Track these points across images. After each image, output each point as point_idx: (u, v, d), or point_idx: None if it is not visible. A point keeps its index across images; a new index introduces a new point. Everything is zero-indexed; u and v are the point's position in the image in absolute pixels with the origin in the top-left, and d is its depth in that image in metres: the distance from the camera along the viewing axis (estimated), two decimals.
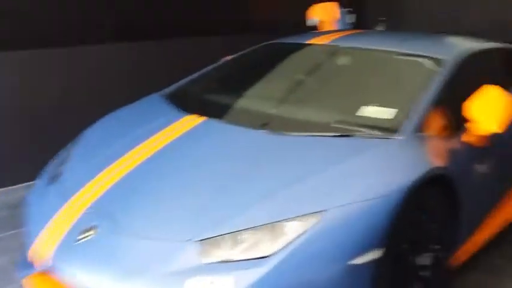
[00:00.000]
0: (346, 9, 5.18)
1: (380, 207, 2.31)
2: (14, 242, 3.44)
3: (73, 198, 2.59)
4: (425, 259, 2.64)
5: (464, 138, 2.93)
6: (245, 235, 2.18)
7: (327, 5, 4.99)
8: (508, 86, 3.50)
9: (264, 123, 2.93)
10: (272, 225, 2.19)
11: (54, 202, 2.63)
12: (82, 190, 2.62)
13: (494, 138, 2.95)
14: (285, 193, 2.34)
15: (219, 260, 2.15)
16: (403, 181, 2.41)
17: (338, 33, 4.21)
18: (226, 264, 2.13)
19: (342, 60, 3.62)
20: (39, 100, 4.57)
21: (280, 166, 2.54)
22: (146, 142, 2.89)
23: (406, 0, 6.43)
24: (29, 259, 2.51)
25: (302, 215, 2.21)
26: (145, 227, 2.33)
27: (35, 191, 2.91)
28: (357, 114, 2.97)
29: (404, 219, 2.39)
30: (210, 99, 3.42)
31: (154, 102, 3.44)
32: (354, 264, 2.22)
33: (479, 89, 2.90)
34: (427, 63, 3.25)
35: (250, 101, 3.35)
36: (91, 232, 2.37)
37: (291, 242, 2.14)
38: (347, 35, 4.06)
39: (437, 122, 2.93)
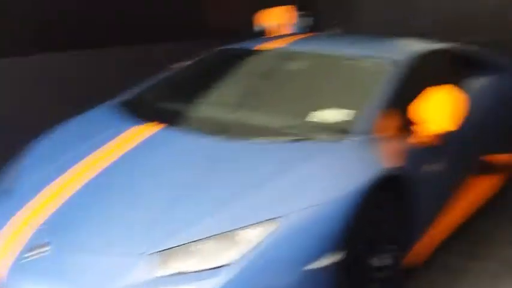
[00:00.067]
0: (302, 13, 5.20)
1: (336, 210, 2.32)
2: None
3: (23, 214, 2.51)
4: (381, 260, 2.66)
5: (417, 137, 2.98)
6: (200, 245, 2.16)
7: (281, 9, 5.00)
8: (458, 85, 3.59)
9: (219, 129, 2.92)
10: (228, 234, 2.17)
11: (2, 218, 2.54)
12: (33, 205, 2.55)
13: (445, 136, 3.01)
14: (240, 201, 2.32)
15: (175, 272, 2.12)
16: (357, 183, 2.43)
17: (292, 37, 4.23)
18: (183, 276, 2.10)
19: (296, 64, 3.64)
20: None
21: (236, 173, 2.53)
22: (99, 153, 2.83)
23: (359, 3, 6.51)
24: None
25: (258, 222, 2.20)
26: (98, 243, 2.28)
27: None
28: (310, 117, 2.99)
29: (360, 221, 2.41)
30: (164, 107, 3.37)
31: (106, 112, 3.38)
32: (312, 269, 2.22)
33: (431, 89, 2.95)
34: (379, 65, 3.30)
35: (205, 107, 3.32)
36: (44, 249, 2.30)
37: (248, 250, 2.13)
38: (301, 39, 4.08)
39: (390, 123, 2.97)
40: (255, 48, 3.81)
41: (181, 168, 2.64)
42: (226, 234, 2.17)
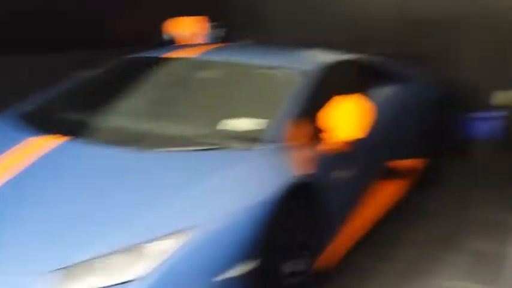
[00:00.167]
0: (214, 24, 5.20)
1: (248, 219, 2.32)
2: None
3: None
4: (294, 266, 2.69)
5: (327, 145, 3.05)
6: (106, 260, 2.07)
7: (193, 19, 4.97)
8: (365, 94, 3.72)
9: (128, 140, 2.85)
10: (135, 248, 2.10)
11: None
12: None
13: (353, 143, 3.10)
14: (149, 212, 2.26)
15: None
16: (269, 191, 2.44)
17: (204, 46, 4.22)
18: None
19: (208, 73, 3.63)
20: None
21: (145, 184, 2.46)
22: None
23: (271, 15, 6.61)
24: None
25: (168, 234, 2.15)
26: None
27: None
28: (222, 127, 2.99)
29: (272, 229, 2.42)
30: (67, 118, 3.24)
31: (3, 124, 3.19)
32: (225, 279, 2.21)
33: (338, 98, 3.03)
34: (289, 75, 3.36)
35: (113, 118, 3.23)
36: None
37: (156, 264, 2.07)
38: (213, 49, 4.08)
39: (300, 131, 3.02)
40: (166, 56, 3.76)
41: (86, 180, 2.54)
42: (133, 248, 2.10)
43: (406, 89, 4.39)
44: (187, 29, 4.92)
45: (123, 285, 2.02)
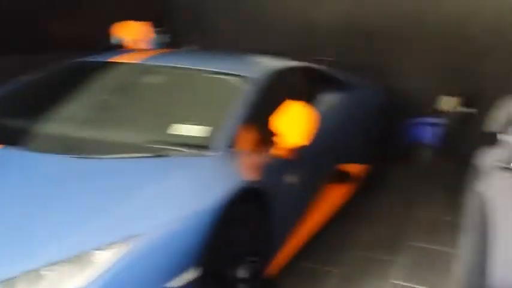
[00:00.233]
0: (159, 29, 5.15)
1: (194, 226, 2.29)
2: None
3: None
4: (243, 272, 2.68)
5: (274, 151, 3.06)
6: (48, 271, 2.00)
7: (129, 24, 4.91)
8: (310, 101, 3.76)
9: (70, 147, 2.78)
10: (78, 257, 2.04)
11: None
12: None
13: (301, 149, 3.12)
14: (91, 221, 2.20)
15: None
16: (216, 197, 2.43)
17: (149, 51, 4.17)
18: None
19: (154, 79, 3.58)
20: None
21: (87, 193, 2.39)
22: None
23: (217, 22, 6.61)
24: None
25: (111, 243, 2.09)
26: None
27: None
28: (169, 133, 2.96)
29: (220, 235, 2.41)
30: (5, 125, 3.12)
31: None
32: (174, 287, 2.16)
33: (284, 104, 3.05)
34: (236, 81, 3.35)
35: (54, 124, 3.14)
36: None
37: (100, 273, 2.01)
38: (158, 54, 4.04)
39: (248, 137, 3.02)
40: (110, 61, 3.69)
41: (25, 189, 2.44)
42: (76, 258, 2.03)
43: (351, 96, 4.47)
44: (132, 33, 4.85)
45: None
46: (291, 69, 4.02)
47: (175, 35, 6.57)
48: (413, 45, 5.90)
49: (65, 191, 2.41)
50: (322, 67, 4.49)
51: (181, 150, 2.75)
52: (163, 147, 2.76)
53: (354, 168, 4.38)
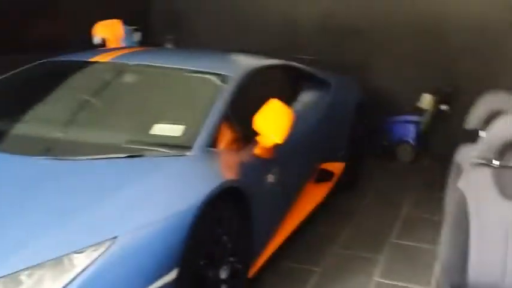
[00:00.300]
0: (131, 28, 5.09)
1: (175, 226, 2.25)
2: None
3: None
4: (223, 272, 2.64)
5: (254, 150, 3.03)
6: (26, 275, 1.95)
7: (109, 23, 4.84)
8: (288, 99, 3.74)
9: (46, 149, 2.72)
10: (56, 261, 1.98)
11: None
12: None
13: (279, 147, 3.09)
14: (68, 224, 2.14)
15: None
16: (196, 197, 2.38)
17: (124, 50, 4.10)
18: None
19: (130, 78, 3.53)
20: None
21: (63, 195, 2.33)
22: None
23: (194, 19, 6.57)
24: None
25: (89, 246, 2.04)
26: None
27: None
28: (147, 133, 2.91)
29: (200, 235, 2.37)
30: None
31: None
32: None
33: (262, 103, 3.01)
34: (214, 79, 3.31)
35: (28, 126, 3.08)
36: None
37: (79, 276, 1.96)
38: (134, 52, 3.98)
39: (227, 136, 2.99)
40: (85, 60, 3.61)
41: (1, 191, 2.37)
42: (54, 262, 1.98)
43: (330, 94, 4.46)
44: (111, 32, 4.79)
45: None
46: (270, 68, 4.00)
47: (154, 34, 6.52)
48: (394, 43, 5.93)
49: (40, 194, 2.34)
50: (302, 65, 4.47)
51: (159, 150, 2.71)
52: (141, 148, 2.71)
53: (333, 167, 4.38)
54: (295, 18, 6.30)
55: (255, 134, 2.98)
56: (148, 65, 3.52)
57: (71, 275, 1.96)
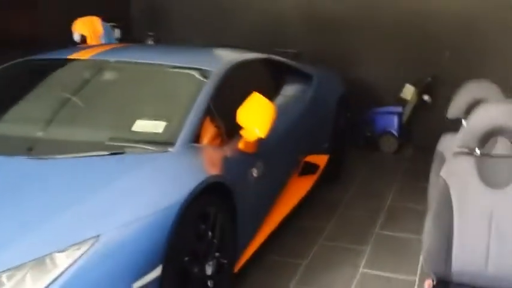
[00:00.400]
0: (110, 24, 5.04)
1: (158, 223, 2.24)
2: None
3: None
4: (209, 268, 2.63)
5: (237, 145, 3.02)
6: (5, 277, 1.92)
7: (88, 20, 4.79)
8: (271, 93, 3.73)
9: (27, 148, 2.69)
10: (37, 261, 1.96)
11: None
12: None
13: (263, 142, 3.08)
14: (51, 223, 2.11)
15: None
16: (179, 193, 2.37)
17: (104, 47, 4.06)
18: None
19: (111, 75, 3.50)
20: None
21: (46, 194, 2.31)
22: None
23: (175, 14, 6.53)
24: None
25: (73, 244, 2.02)
26: None
27: None
28: (129, 130, 2.89)
29: (184, 231, 2.36)
30: None
31: None
32: (138, 287, 2.11)
33: (247, 97, 3.00)
34: (196, 74, 3.29)
35: (9, 125, 3.05)
36: None
37: (61, 276, 1.94)
38: (114, 49, 3.94)
39: (210, 131, 2.97)
40: (64, 58, 3.57)
41: None
42: (35, 262, 1.96)
43: (313, 87, 4.46)
44: (89, 29, 4.74)
45: None
46: (252, 62, 3.98)
47: (134, 30, 6.47)
48: (375, 35, 5.94)
49: (22, 194, 2.31)
50: (283, 59, 4.46)
51: (142, 147, 2.69)
52: (124, 145, 2.69)
53: (317, 159, 4.38)
54: (276, 12, 6.29)
55: (238, 128, 2.96)
56: (129, 62, 3.49)
57: (53, 275, 1.93)
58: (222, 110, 3.08)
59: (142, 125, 2.90)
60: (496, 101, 2.20)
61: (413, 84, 5.74)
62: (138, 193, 2.34)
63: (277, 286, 3.15)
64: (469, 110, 2.66)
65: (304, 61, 4.97)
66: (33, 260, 1.96)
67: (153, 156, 2.64)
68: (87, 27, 4.74)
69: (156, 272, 2.18)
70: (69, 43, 4.56)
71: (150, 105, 3.18)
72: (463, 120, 2.83)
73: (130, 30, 6.34)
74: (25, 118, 3.13)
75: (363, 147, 5.92)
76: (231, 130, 3.04)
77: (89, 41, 4.76)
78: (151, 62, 3.48)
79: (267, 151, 3.27)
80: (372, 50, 6.00)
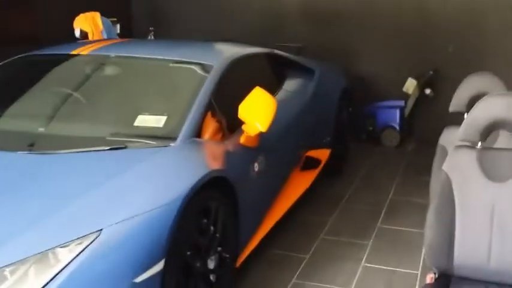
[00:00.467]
0: (110, 19, 5.04)
1: (161, 218, 2.23)
2: None
3: None
4: (211, 262, 2.64)
5: (239, 139, 3.01)
6: (8, 271, 1.92)
7: (89, 15, 4.79)
8: (272, 87, 3.72)
9: (29, 144, 2.69)
10: (40, 255, 1.96)
11: None
12: None
13: (263, 137, 3.08)
14: (53, 218, 2.11)
15: None
16: (181, 188, 2.37)
17: (105, 42, 4.05)
18: None
19: (112, 70, 3.49)
20: None
21: (48, 189, 2.31)
22: None
23: (175, 9, 6.52)
24: None
25: (75, 239, 2.02)
26: None
27: None
28: (131, 125, 2.89)
29: (186, 226, 2.36)
30: None
31: None
32: (141, 281, 2.11)
33: (248, 91, 2.99)
34: (197, 69, 3.29)
35: (11, 121, 3.05)
36: None
37: (64, 270, 1.94)
38: (115, 44, 3.94)
39: (212, 126, 2.96)
40: (66, 53, 3.56)
41: None
42: (39, 256, 1.96)
43: (313, 82, 4.45)
44: (90, 25, 4.74)
45: None
46: (253, 56, 3.97)
47: (135, 25, 6.46)
48: (377, 29, 5.93)
49: (24, 189, 2.32)
50: (285, 53, 4.46)
51: (143, 142, 2.69)
52: (125, 140, 2.69)
53: (319, 154, 4.38)
54: (278, 7, 6.28)
55: (240, 123, 2.96)
56: (130, 57, 3.49)
57: (56, 270, 1.93)
58: (224, 104, 3.07)
59: (143, 120, 2.89)
60: (498, 94, 2.19)
61: (416, 77, 5.73)
62: (140, 188, 2.34)
63: (279, 280, 3.15)
64: (471, 103, 2.65)
65: (306, 55, 4.96)
66: (36, 254, 1.96)
67: (154, 151, 2.63)
68: (88, 23, 4.74)
69: (159, 266, 2.18)
70: (70, 41, 4.56)
71: (152, 100, 3.18)
72: (465, 114, 2.83)
73: (131, 26, 6.33)
74: (26, 113, 3.13)
75: (365, 141, 5.92)
76: (232, 124, 3.03)
77: (91, 37, 4.76)
78: (153, 56, 3.47)
79: (269, 145, 3.26)
80: (373, 44, 5.99)
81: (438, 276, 2.19)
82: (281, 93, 3.95)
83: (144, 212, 2.20)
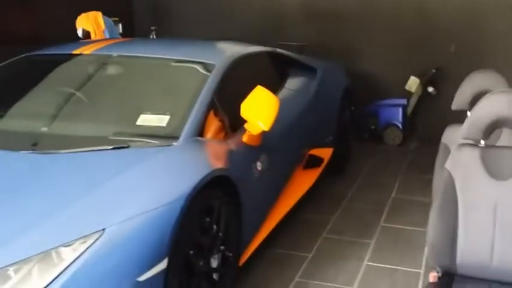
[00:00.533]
0: (112, 19, 5.04)
1: (164, 217, 2.24)
2: None
3: None
4: (214, 261, 2.64)
5: (241, 138, 3.02)
6: (12, 270, 1.93)
7: (90, 15, 4.80)
8: (275, 86, 3.72)
9: (32, 143, 2.69)
10: (44, 255, 1.97)
11: None
12: None
13: (266, 135, 3.08)
14: (57, 217, 2.12)
15: None
16: (184, 187, 2.37)
17: (107, 41, 4.06)
18: None
19: (115, 70, 3.49)
20: None
21: (51, 188, 2.31)
22: None
23: (177, 8, 6.52)
24: None
25: (78, 238, 2.02)
26: None
27: None
28: (134, 124, 2.89)
29: (189, 224, 2.37)
30: None
31: None
32: (144, 280, 2.11)
33: (250, 90, 2.99)
34: (199, 68, 3.29)
35: (14, 121, 3.06)
36: None
37: (67, 269, 1.95)
38: (117, 44, 3.94)
39: (214, 125, 2.96)
40: (68, 53, 3.57)
41: None
42: (41, 256, 1.96)
43: (315, 80, 4.45)
44: (92, 24, 4.74)
45: None
46: (255, 55, 3.97)
47: (137, 25, 6.46)
48: (379, 27, 5.92)
49: (27, 188, 2.32)
50: (287, 52, 4.45)
51: (146, 141, 2.69)
52: (128, 139, 2.69)
53: (322, 152, 4.38)
54: (278, 6, 6.27)
55: (242, 122, 2.96)
56: (132, 56, 3.50)
57: (59, 269, 1.94)
58: (226, 103, 3.07)
59: (146, 119, 2.90)
60: (500, 92, 2.18)
61: (418, 76, 5.72)
62: (143, 187, 2.35)
63: (281, 279, 3.16)
64: (474, 101, 2.65)
65: (309, 54, 4.95)
66: (40, 253, 1.96)
67: (157, 150, 2.64)
68: (91, 23, 4.75)
69: (162, 265, 2.18)
70: (72, 41, 4.56)
71: (154, 99, 3.18)
72: (467, 112, 2.82)
73: (133, 25, 6.33)
74: (29, 113, 3.14)
75: (367, 139, 5.91)
76: (235, 123, 3.03)
77: (93, 36, 4.77)
78: (155, 56, 3.48)
79: (271, 144, 3.27)
80: (374, 43, 5.98)
81: (441, 274, 2.18)
82: (283, 92, 3.95)
83: (147, 211, 2.21)
